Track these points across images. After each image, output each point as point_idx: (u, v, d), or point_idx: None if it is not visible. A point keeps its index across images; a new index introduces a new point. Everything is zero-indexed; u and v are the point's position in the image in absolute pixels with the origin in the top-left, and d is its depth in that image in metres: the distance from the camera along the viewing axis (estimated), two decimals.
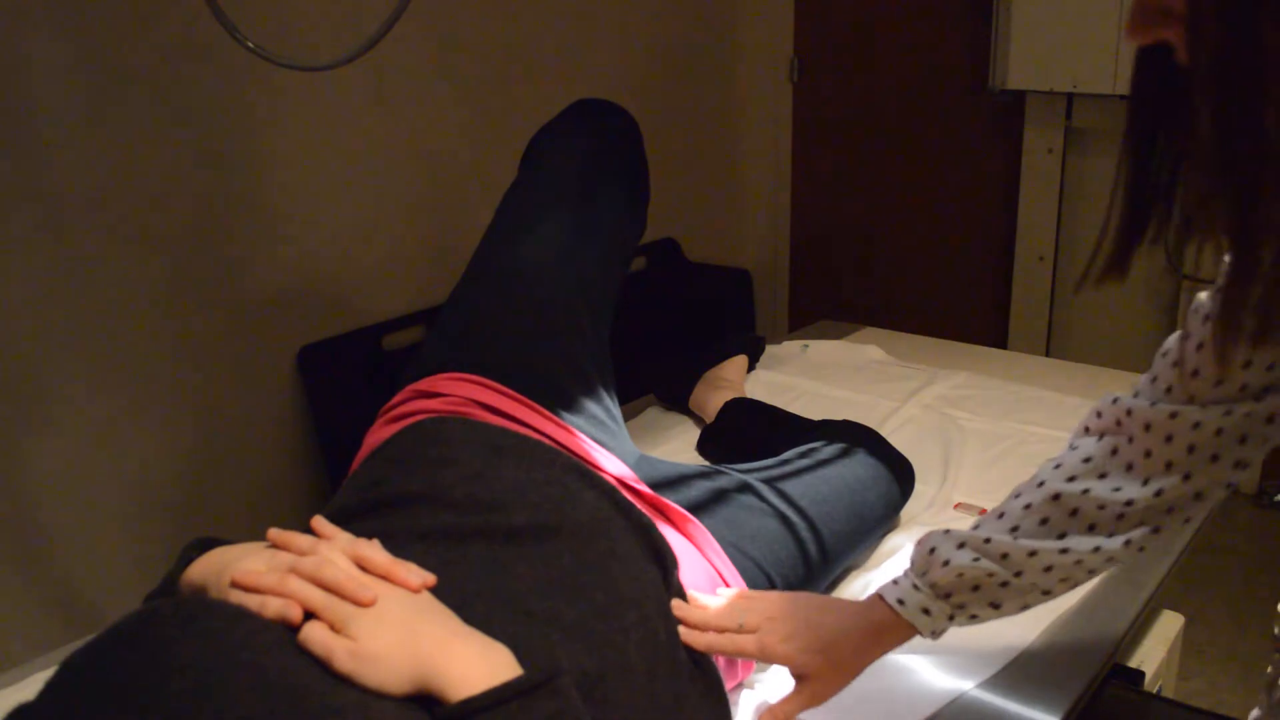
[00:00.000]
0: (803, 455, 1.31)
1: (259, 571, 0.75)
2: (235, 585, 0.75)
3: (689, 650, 0.96)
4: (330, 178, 2.05)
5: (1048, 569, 0.95)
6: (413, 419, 1.12)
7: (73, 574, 1.78)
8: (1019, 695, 1.06)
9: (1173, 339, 0.92)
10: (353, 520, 0.92)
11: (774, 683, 1.09)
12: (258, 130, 1.92)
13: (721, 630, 0.97)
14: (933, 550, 0.98)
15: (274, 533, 0.80)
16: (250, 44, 1.43)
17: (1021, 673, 1.09)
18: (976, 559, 0.96)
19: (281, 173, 1.97)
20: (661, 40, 2.80)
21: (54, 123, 1.64)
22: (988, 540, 0.96)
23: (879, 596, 1.00)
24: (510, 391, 1.15)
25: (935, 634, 0.99)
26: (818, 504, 1.23)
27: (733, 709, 1.02)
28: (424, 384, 1.18)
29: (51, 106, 1.64)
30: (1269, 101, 0.58)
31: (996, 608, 0.98)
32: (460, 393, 1.15)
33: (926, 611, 0.97)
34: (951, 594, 0.97)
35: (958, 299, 3.03)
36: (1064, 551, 0.94)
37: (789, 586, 1.16)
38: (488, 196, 1.43)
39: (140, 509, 1.84)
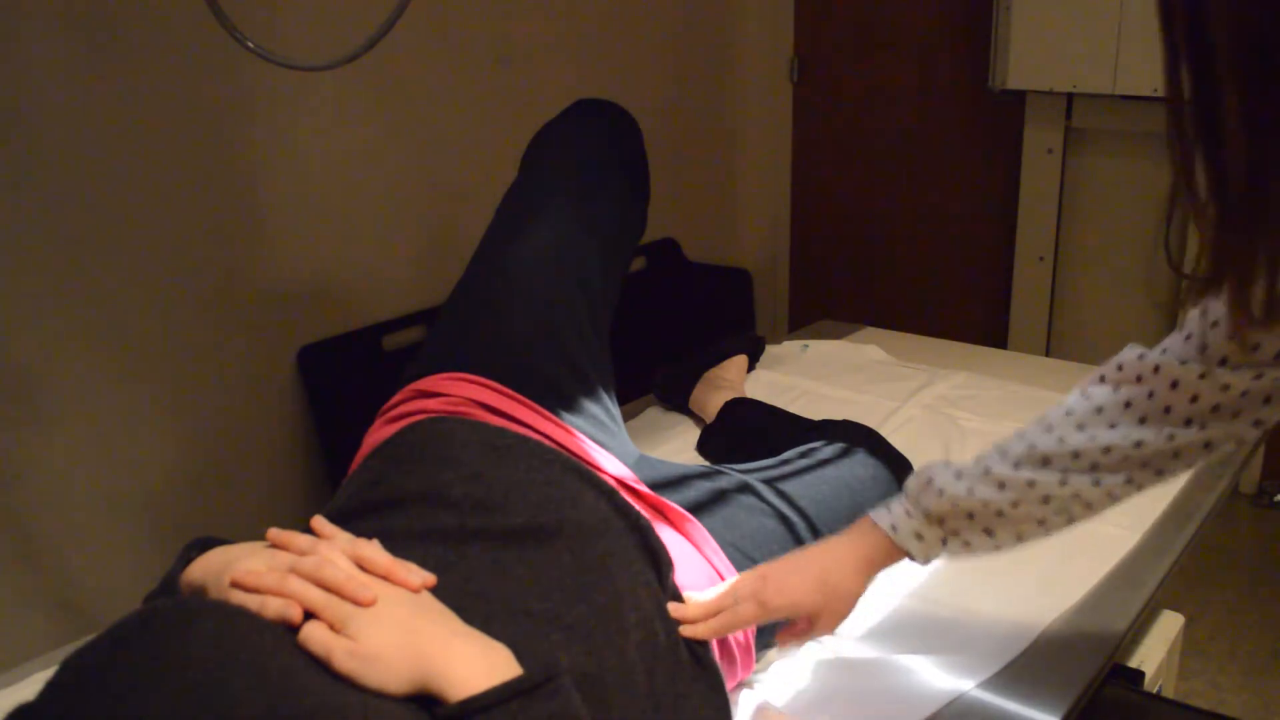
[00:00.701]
0: (803, 455, 1.31)
1: (259, 571, 0.75)
2: (235, 585, 0.75)
3: (690, 649, 0.96)
4: (330, 178, 2.05)
5: (1045, 499, 0.96)
6: (412, 419, 1.12)
7: (73, 574, 1.78)
8: (1019, 695, 1.06)
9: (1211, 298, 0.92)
10: (352, 520, 0.92)
11: (774, 683, 1.09)
12: (258, 130, 1.92)
13: (721, 610, 0.98)
14: (930, 480, 1.00)
15: (274, 533, 0.81)
16: (250, 44, 1.43)
17: (1021, 673, 1.09)
18: (972, 489, 0.97)
19: (282, 173, 1.97)
20: (661, 40, 2.80)
21: (53, 122, 1.64)
22: (986, 471, 0.97)
23: (870, 522, 1.02)
24: (510, 391, 1.15)
25: (927, 559, 1.01)
26: (818, 504, 1.23)
27: (733, 709, 1.02)
28: (424, 384, 1.18)
29: (51, 106, 1.64)
30: (1226, 92, 0.65)
31: (990, 535, 0.99)
32: (460, 392, 1.15)
33: (919, 537, 0.99)
34: (945, 520, 0.99)
35: (958, 299, 3.03)
36: (1063, 484, 0.95)
37: None
38: (488, 196, 1.43)
39: (140, 509, 1.84)
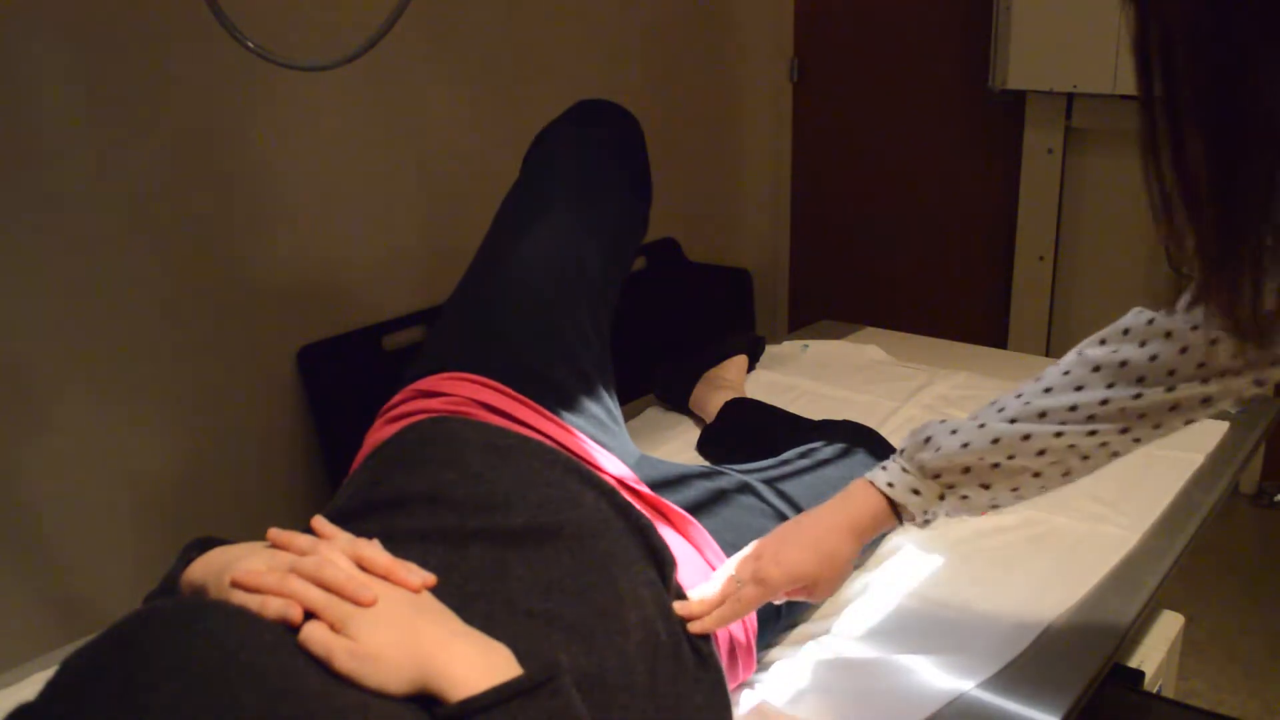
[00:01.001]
0: (803, 455, 1.31)
1: (259, 571, 0.75)
2: (235, 585, 0.75)
3: (694, 647, 0.96)
4: (330, 177, 2.05)
5: (1041, 452, 0.96)
6: (413, 419, 1.12)
7: (73, 574, 1.78)
8: (1019, 695, 1.06)
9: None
10: (353, 520, 0.92)
11: (774, 683, 1.09)
12: (258, 130, 1.92)
13: (724, 599, 0.98)
14: (927, 438, 1.00)
15: (274, 533, 0.81)
16: (250, 44, 1.43)
17: (1021, 673, 1.09)
18: (967, 444, 0.98)
19: (282, 173, 1.97)
20: (662, 40, 2.80)
21: (53, 122, 1.64)
22: (982, 425, 0.98)
23: (863, 484, 1.02)
24: (511, 391, 1.15)
25: (925, 516, 1.01)
26: (818, 504, 1.23)
27: (733, 708, 1.02)
28: (425, 384, 1.18)
29: (50, 106, 1.64)
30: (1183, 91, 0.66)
31: (986, 489, 0.99)
32: (461, 392, 1.15)
33: (916, 493, 1.00)
34: (941, 474, 0.99)
35: (958, 299, 3.03)
36: (1058, 435, 0.95)
37: None
38: (489, 196, 1.43)
39: (140, 509, 1.84)
